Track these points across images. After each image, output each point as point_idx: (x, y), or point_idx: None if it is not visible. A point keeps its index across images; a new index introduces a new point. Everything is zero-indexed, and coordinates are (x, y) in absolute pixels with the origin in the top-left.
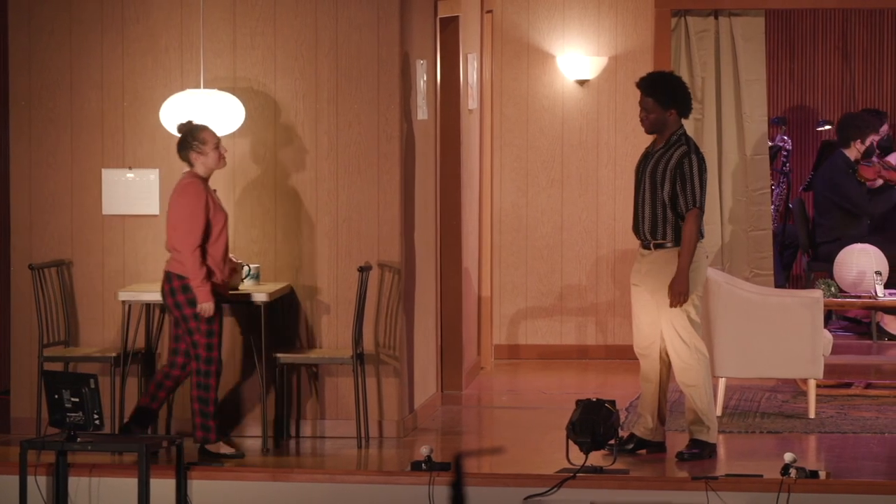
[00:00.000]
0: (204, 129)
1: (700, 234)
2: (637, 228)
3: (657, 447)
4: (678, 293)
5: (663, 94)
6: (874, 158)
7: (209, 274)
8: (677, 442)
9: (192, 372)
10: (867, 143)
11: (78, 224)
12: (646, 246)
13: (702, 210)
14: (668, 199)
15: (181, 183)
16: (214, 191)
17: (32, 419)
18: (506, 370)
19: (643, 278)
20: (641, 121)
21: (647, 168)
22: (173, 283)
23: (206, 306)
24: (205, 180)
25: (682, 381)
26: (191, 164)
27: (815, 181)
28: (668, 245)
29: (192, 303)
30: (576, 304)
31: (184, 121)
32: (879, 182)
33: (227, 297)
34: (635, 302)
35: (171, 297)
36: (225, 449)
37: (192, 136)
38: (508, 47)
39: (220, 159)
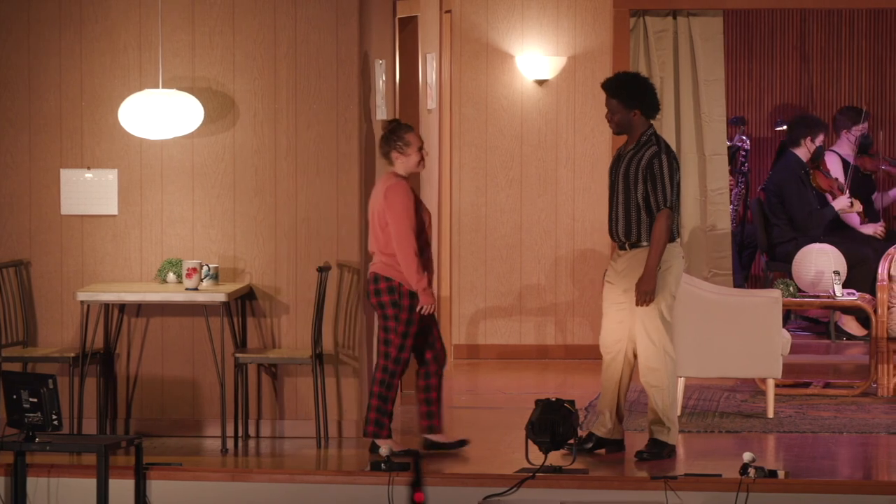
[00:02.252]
0: (409, 130)
1: (675, 234)
2: (612, 230)
3: (616, 446)
4: (644, 292)
5: (627, 95)
6: (832, 175)
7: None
8: (636, 441)
9: (378, 367)
10: (817, 141)
11: (36, 224)
12: (621, 247)
13: (673, 210)
14: (641, 200)
15: (389, 185)
16: None
17: None
18: (465, 370)
19: (617, 277)
20: (608, 122)
21: (619, 170)
22: (380, 285)
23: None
24: (408, 179)
25: (646, 382)
26: (391, 162)
27: (767, 183)
28: (644, 244)
29: (395, 304)
30: (535, 304)
31: (390, 118)
32: (831, 197)
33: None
34: (606, 299)
35: (376, 297)
36: (388, 446)
37: (396, 135)
38: (467, 47)
39: (421, 162)
